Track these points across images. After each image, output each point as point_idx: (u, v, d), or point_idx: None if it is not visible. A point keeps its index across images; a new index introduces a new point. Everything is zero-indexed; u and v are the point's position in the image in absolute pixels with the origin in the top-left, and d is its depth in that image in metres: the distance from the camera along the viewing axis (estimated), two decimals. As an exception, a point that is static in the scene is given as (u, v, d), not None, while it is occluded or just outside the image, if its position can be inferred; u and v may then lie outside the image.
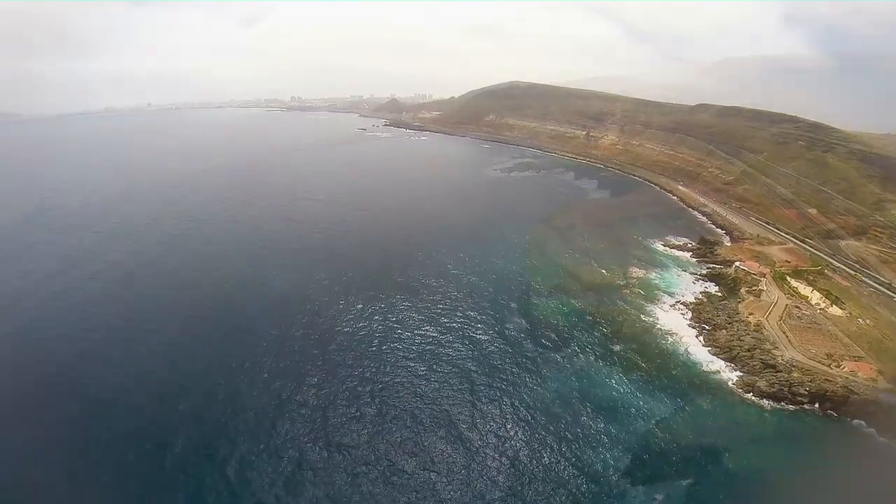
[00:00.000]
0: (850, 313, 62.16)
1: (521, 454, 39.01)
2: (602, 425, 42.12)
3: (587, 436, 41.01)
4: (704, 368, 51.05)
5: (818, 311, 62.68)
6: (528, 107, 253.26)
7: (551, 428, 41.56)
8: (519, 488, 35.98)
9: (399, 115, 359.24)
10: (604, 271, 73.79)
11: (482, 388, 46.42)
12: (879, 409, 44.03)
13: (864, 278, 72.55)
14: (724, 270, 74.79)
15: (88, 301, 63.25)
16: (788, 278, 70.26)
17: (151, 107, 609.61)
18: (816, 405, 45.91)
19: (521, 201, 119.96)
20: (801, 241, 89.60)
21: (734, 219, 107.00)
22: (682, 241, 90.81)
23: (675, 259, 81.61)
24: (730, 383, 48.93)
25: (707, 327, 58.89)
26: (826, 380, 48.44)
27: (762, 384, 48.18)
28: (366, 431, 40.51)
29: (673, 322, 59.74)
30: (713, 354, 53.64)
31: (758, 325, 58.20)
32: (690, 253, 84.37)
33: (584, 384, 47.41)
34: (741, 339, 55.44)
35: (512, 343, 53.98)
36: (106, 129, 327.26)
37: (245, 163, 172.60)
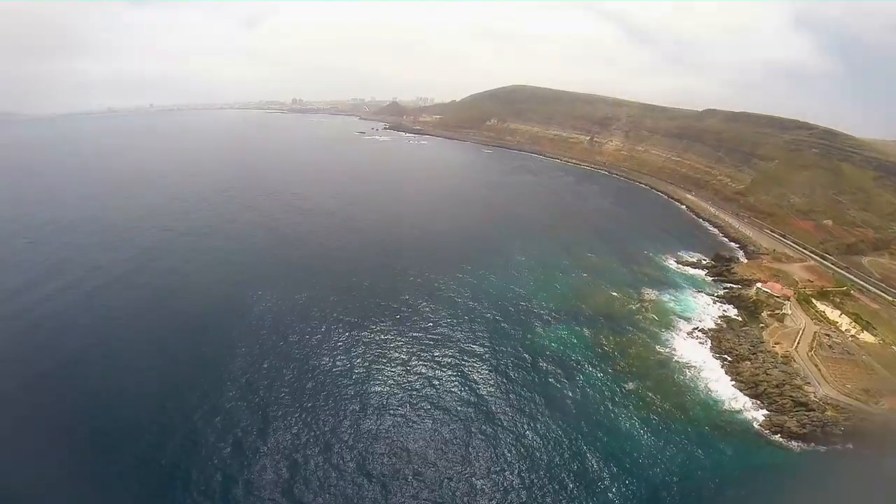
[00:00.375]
0: (884, 340, 57.40)
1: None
2: (612, 476, 37.44)
3: (595, 490, 36.26)
4: (727, 407, 46.37)
5: (849, 338, 57.61)
6: (531, 111, 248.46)
7: (555, 487, 36.44)
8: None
9: (400, 118, 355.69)
10: (614, 293, 68.24)
11: (478, 439, 40.69)
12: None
13: (893, 299, 67.33)
14: (743, 292, 69.22)
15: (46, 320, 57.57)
16: (814, 301, 65.11)
17: (153, 108, 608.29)
18: (850, 446, 41.74)
19: (522, 211, 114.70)
20: (821, 258, 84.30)
21: (748, 231, 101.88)
22: (695, 256, 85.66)
23: (690, 278, 76.29)
24: (755, 424, 44.38)
25: (729, 358, 53.85)
26: (863, 419, 43.90)
27: (792, 424, 43.51)
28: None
29: (691, 352, 54.62)
30: (737, 389, 48.79)
31: (786, 357, 53.10)
32: (705, 271, 79.01)
33: (592, 429, 42.30)
34: (768, 372, 50.45)
35: (513, 382, 48.42)
36: (106, 130, 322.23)
37: (231, 175, 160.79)
